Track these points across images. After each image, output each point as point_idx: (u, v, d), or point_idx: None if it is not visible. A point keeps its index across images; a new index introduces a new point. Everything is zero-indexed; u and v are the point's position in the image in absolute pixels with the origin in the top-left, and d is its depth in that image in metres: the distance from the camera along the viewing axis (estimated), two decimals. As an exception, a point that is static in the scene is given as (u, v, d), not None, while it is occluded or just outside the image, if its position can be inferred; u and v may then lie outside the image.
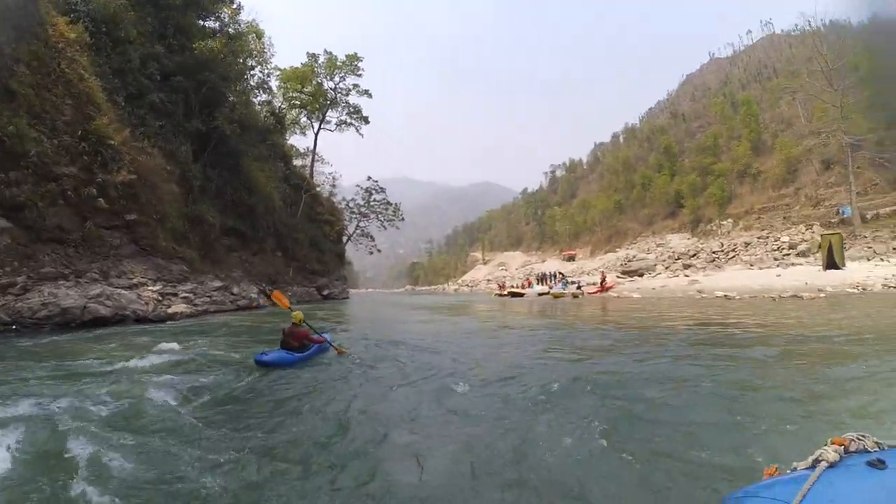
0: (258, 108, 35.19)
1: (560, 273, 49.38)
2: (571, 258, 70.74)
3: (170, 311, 15.22)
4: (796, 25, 67.38)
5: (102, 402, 4.82)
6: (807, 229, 31.51)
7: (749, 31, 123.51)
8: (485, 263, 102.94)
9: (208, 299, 18.79)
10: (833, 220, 32.30)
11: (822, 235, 24.81)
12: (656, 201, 64.92)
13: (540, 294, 34.55)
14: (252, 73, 31.72)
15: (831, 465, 1.16)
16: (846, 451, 1.21)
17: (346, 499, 2.94)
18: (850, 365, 5.97)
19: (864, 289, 18.08)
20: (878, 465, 1.09)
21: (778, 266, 26.41)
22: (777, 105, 61.42)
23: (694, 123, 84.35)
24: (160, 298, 15.37)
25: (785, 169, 46.37)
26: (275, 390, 5.85)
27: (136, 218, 16.88)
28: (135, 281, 15.27)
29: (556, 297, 30.10)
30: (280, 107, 42.06)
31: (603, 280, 32.72)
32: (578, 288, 31.89)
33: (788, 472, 1.27)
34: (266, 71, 35.31)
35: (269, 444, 3.86)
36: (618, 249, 60.21)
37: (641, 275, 35.33)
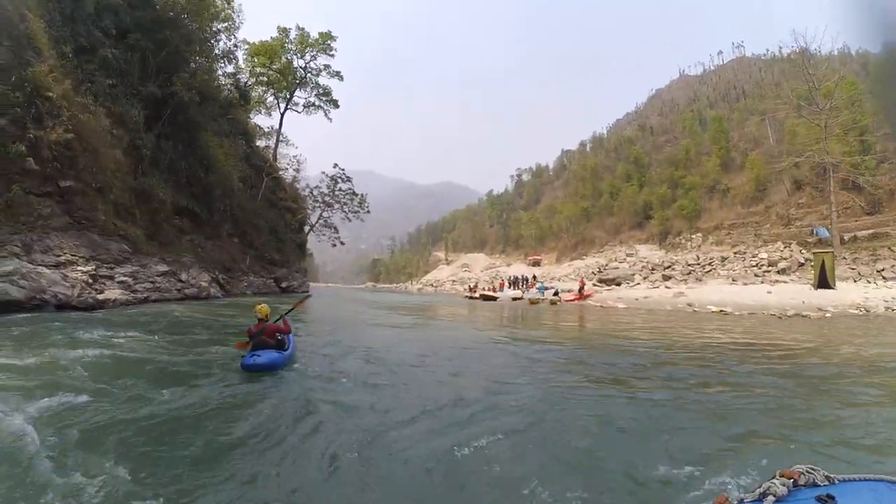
0: (222, 79, 32.41)
1: (534, 277, 48.33)
2: (537, 263, 69.97)
3: (101, 297, 12.96)
4: (767, 50, 69.78)
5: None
6: (785, 247, 31.30)
7: (720, 52, 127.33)
8: (448, 264, 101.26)
9: (150, 285, 16.49)
10: (810, 240, 32.24)
11: (814, 254, 24.33)
12: (623, 211, 64.89)
13: (514, 298, 33.29)
14: (217, 39, 29.01)
15: (778, 500, 1.08)
16: (795, 484, 1.15)
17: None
18: None
19: (866, 310, 17.38)
20: (828, 500, 1.01)
21: (762, 283, 25.85)
22: (744, 125, 62.74)
23: (661, 137, 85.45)
24: (91, 281, 13.05)
25: (755, 187, 46.72)
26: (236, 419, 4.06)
27: (71, 185, 14.50)
28: (62, 258, 12.91)
29: (532, 302, 28.85)
30: (245, 82, 39.20)
31: (581, 287, 31.60)
32: (556, 294, 30.71)
33: None
34: (233, 40, 32.68)
35: None
36: (584, 257, 59.84)
37: (619, 284, 34.47)
